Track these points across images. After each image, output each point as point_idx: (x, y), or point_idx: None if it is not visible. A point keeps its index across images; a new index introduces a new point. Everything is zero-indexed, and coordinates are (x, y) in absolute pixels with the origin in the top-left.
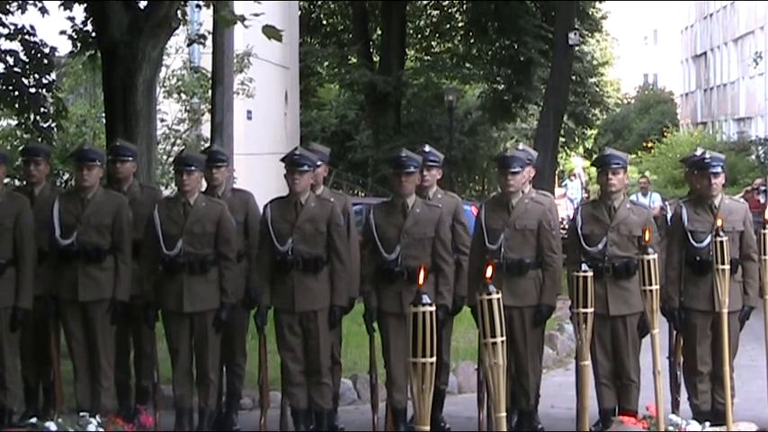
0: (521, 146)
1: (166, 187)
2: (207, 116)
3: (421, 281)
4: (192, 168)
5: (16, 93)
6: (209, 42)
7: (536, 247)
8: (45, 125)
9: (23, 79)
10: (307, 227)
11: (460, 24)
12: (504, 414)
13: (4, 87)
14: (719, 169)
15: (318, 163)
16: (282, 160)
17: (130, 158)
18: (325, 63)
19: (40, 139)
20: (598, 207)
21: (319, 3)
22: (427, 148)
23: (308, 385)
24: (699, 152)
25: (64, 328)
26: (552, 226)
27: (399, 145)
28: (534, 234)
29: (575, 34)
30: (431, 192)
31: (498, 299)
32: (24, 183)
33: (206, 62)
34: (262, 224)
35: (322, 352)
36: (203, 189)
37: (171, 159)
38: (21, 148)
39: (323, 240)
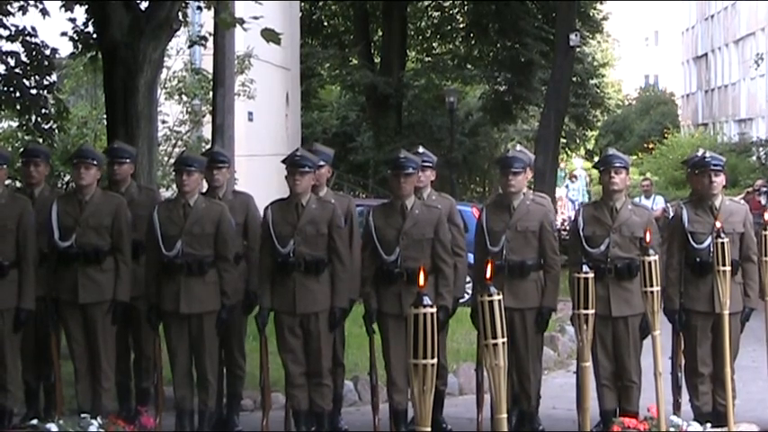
0: (518, 148)
1: (167, 189)
2: (208, 117)
3: (421, 282)
4: (192, 169)
5: (17, 94)
6: (210, 44)
7: (538, 248)
8: (46, 127)
9: (24, 81)
10: (308, 229)
11: (461, 26)
12: (504, 415)
13: (5, 89)
14: (720, 167)
15: (321, 164)
16: (284, 161)
17: (128, 160)
18: (327, 64)
19: (41, 141)
20: (600, 208)
21: (320, 4)
22: (421, 150)
23: (308, 387)
24: (700, 153)
25: (64, 329)
26: (553, 228)
27: (400, 146)
28: (536, 236)
29: (575, 35)
30: (425, 193)
31: (499, 300)
32: (24, 184)
33: (207, 64)
34: (263, 227)
35: (323, 354)
36: (204, 191)
37: (172, 161)
38: (21, 149)
39: (324, 242)
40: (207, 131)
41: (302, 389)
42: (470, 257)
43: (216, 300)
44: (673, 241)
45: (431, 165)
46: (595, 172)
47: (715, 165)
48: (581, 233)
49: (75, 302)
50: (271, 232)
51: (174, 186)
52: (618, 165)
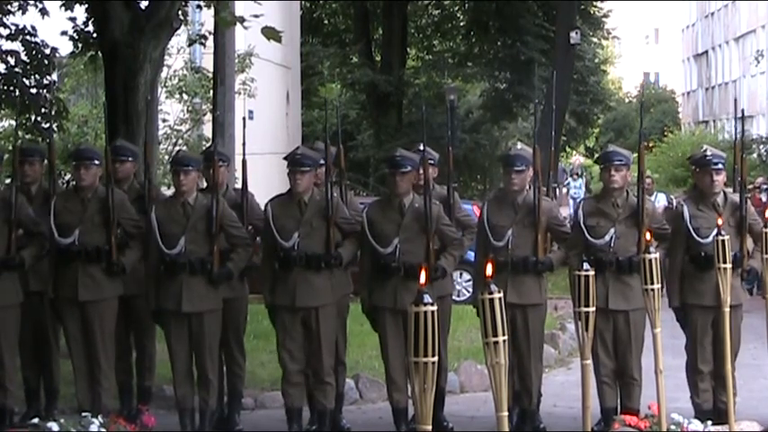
0: (519, 146)
1: (168, 187)
2: (208, 116)
3: (422, 281)
4: (189, 168)
5: (17, 93)
6: (210, 42)
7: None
8: (45, 126)
9: (24, 80)
10: (312, 223)
11: (462, 24)
12: (506, 413)
13: (5, 88)
14: (721, 166)
15: (322, 162)
16: (285, 158)
17: (130, 159)
18: (327, 63)
19: (40, 140)
20: (603, 201)
21: (321, 2)
22: (421, 147)
23: (307, 385)
24: (704, 150)
25: (63, 328)
26: (561, 219)
27: (399, 144)
28: (543, 231)
29: (576, 33)
30: None
31: (499, 298)
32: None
33: (207, 62)
34: (264, 222)
35: (324, 351)
36: (204, 188)
37: None
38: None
39: (326, 237)
40: (207, 130)
41: (298, 387)
42: (471, 255)
43: (216, 298)
44: (675, 238)
45: (433, 162)
46: (596, 169)
47: (716, 163)
48: (583, 224)
49: (75, 300)
50: (272, 227)
51: None
52: (618, 162)
